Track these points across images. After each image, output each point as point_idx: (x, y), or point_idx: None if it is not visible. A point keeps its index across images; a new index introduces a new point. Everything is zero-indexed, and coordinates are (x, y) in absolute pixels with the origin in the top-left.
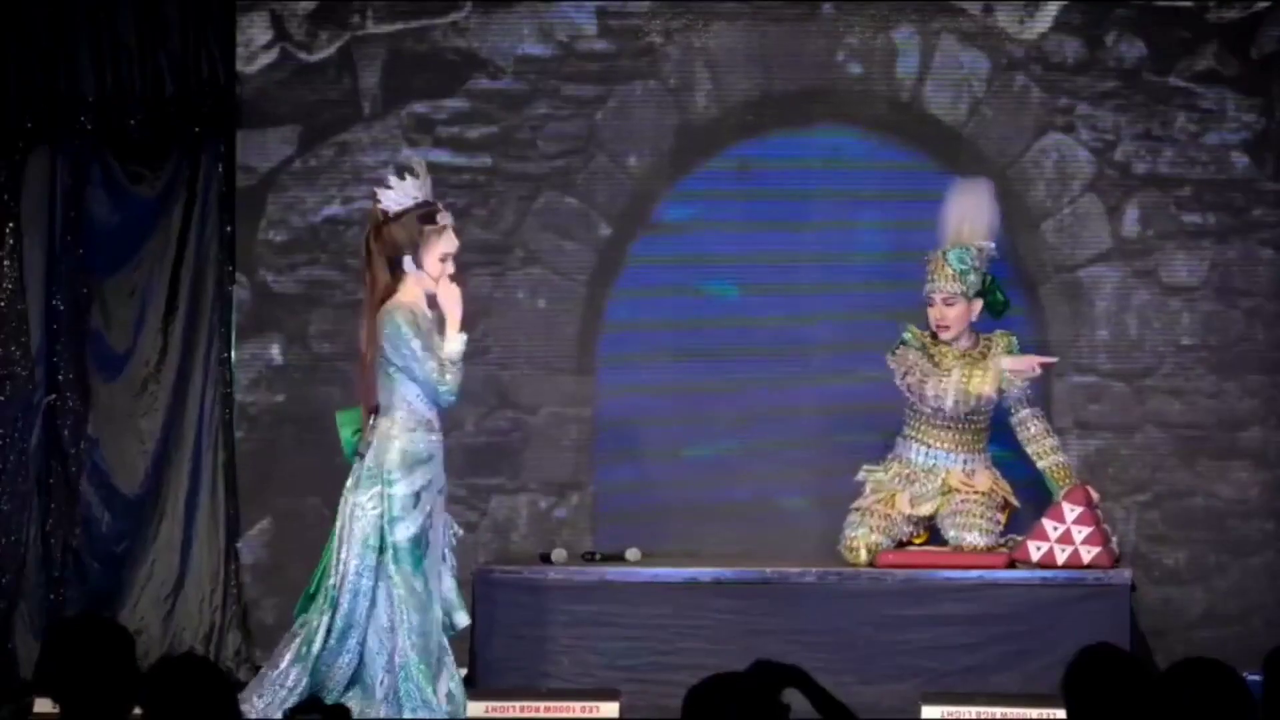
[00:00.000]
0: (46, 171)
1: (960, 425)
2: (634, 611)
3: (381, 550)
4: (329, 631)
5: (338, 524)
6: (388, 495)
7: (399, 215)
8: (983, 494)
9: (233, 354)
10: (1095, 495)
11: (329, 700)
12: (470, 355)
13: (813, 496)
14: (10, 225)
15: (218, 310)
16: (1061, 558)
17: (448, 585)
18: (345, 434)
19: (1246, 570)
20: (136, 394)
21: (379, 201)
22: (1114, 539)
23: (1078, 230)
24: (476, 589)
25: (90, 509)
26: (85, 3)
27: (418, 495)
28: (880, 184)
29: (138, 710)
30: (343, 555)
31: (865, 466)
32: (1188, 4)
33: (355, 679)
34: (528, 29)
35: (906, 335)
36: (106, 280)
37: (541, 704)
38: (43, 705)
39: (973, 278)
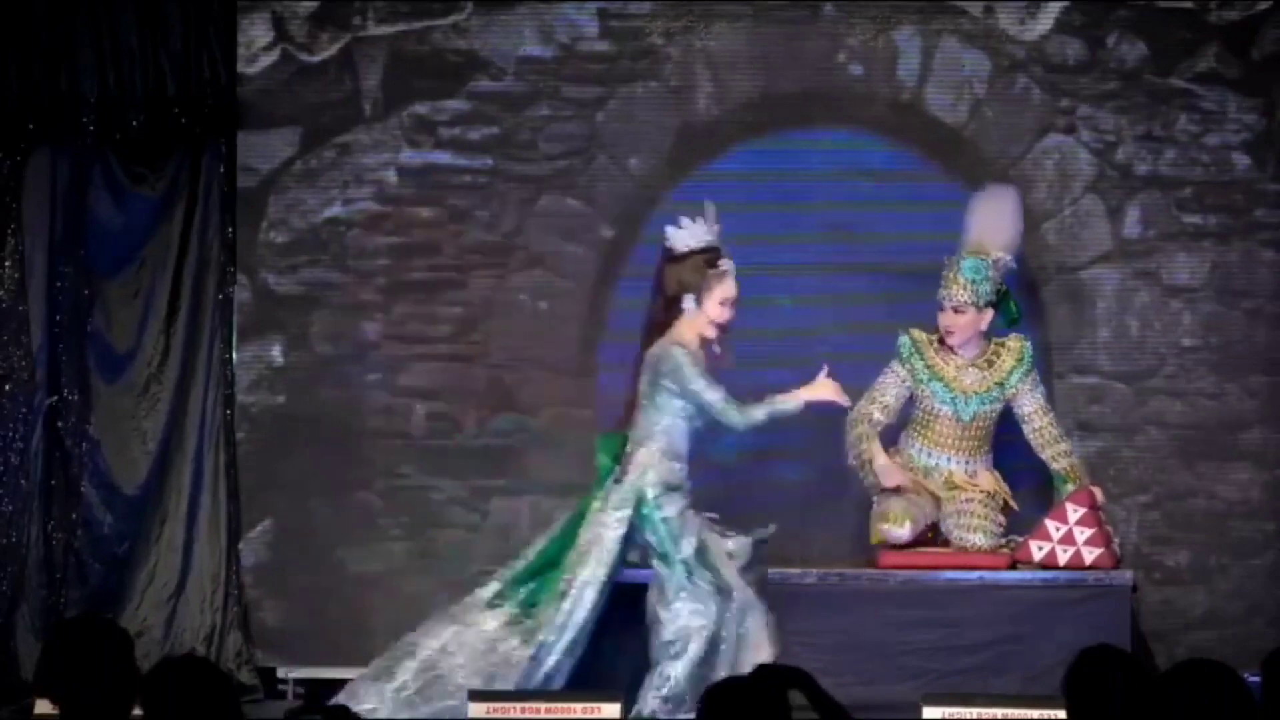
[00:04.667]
0: (48, 172)
1: (964, 427)
2: (635, 613)
3: (666, 561)
4: (559, 626)
5: (583, 534)
6: (656, 520)
7: (684, 256)
8: (986, 493)
9: (234, 355)
10: (1100, 497)
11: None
12: (471, 356)
13: (816, 498)
14: (12, 226)
15: (220, 311)
16: (1064, 558)
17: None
18: (604, 459)
19: (1248, 571)
20: (139, 395)
21: (667, 239)
22: (1116, 540)
23: (1079, 231)
24: None
25: (92, 510)
26: (87, 3)
27: (682, 514)
28: (881, 185)
29: (138, 711)
30: (573, 561)
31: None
32: (1188, 5)
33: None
34: (529, 30)
35: (903, 339)
36: (108, 281)
37: (543, 705)
38: (43, 706)
39: (985, 288)
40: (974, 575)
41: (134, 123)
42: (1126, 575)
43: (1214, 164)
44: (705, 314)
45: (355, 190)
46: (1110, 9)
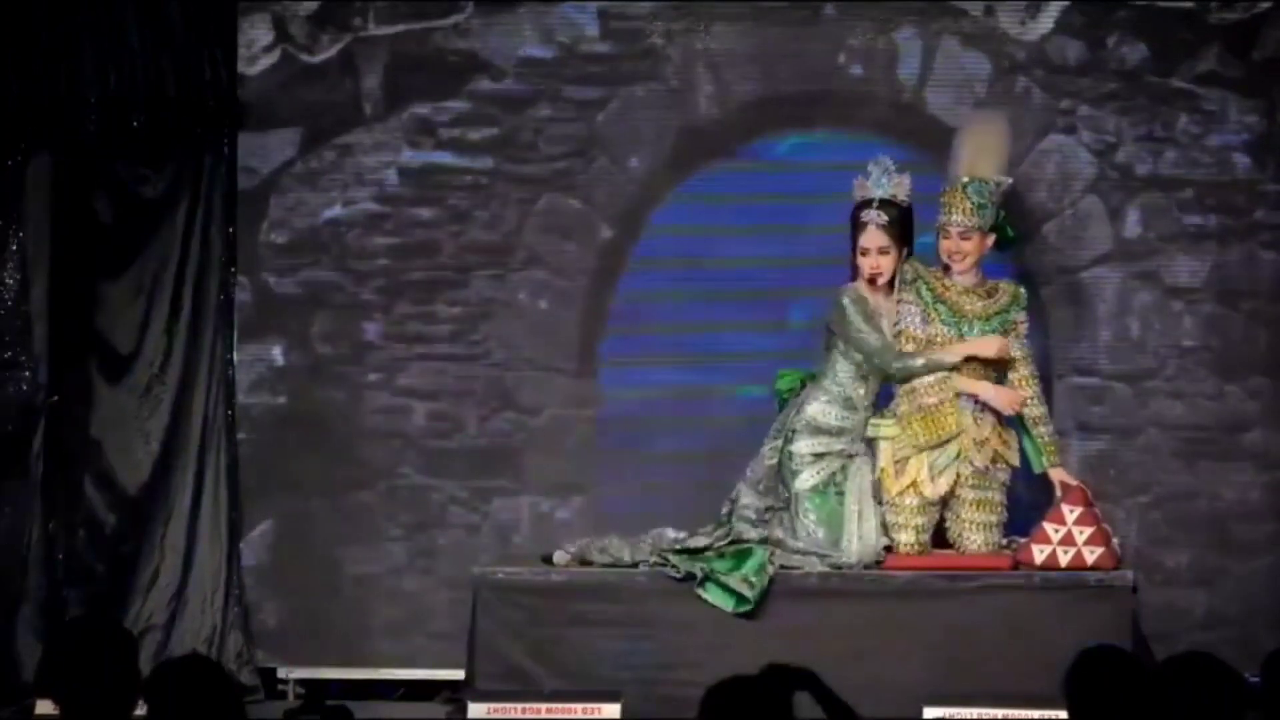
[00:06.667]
0: (49, 173)
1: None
2: (636, 612)
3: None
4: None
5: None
6: (787, 449)
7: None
8: (984, 484)
9: (234, 355)
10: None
11: None
12: (471, 356)
13: None
14: (13, 227)
15: (222, 312)
16: (1065, 560)
17: (870, 526)
18: (780, 385)
19: (1249, 573)
20: (142, 395)
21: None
22: (1115, 540)
23: (1079, 232)
24: (478, 591)
25: (94, 511)
26: (87, 3)
27: (819, 455)
28: None
29: (139, 712)
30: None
31: (871, 420)
32: (1189, 5)
33: None
34: (529, 31)
35: (905, 267)
36: (109, 282)
37: (543, 705)
38: (44, 707)
39: (989, 211)
40: (974, 575)
41: (135, 123)
42: (1127, 575)
43: (1215, 165)
44: (856, 262)
45: (355, 191)
46: (1111, 10)
